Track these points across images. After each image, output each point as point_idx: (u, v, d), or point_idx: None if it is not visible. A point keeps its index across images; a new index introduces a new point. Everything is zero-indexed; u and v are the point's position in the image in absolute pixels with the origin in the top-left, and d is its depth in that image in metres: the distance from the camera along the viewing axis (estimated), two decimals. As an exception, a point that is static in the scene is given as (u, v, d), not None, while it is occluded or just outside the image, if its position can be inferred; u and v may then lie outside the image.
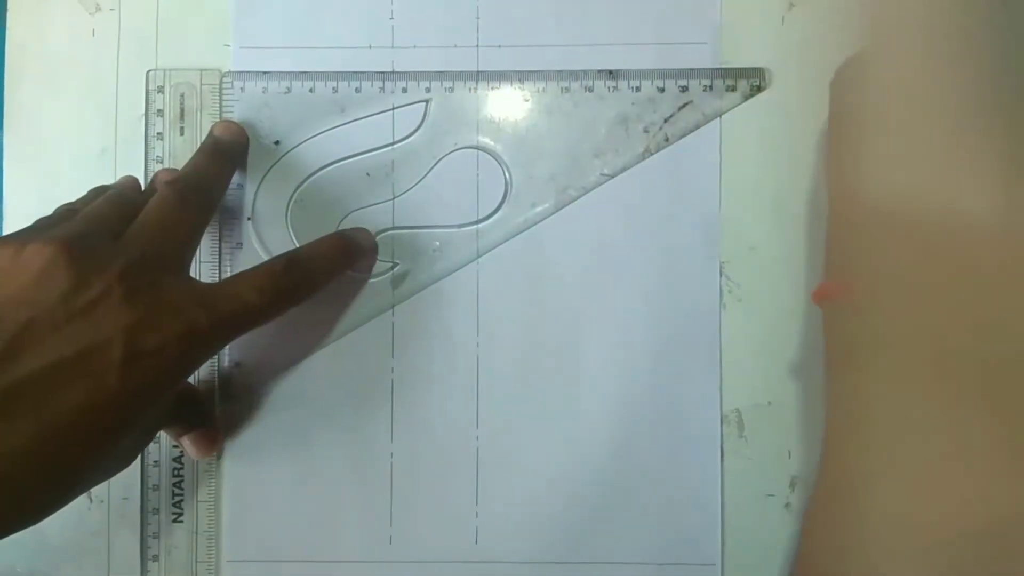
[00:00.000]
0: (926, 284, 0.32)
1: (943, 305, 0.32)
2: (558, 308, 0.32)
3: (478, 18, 0.32)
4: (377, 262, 0.32)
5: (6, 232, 0.33)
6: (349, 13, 0.33)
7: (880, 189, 0.32)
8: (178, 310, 0.25)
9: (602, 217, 0.32)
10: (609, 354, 0.32)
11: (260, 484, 0.32)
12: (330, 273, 0.30)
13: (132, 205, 0.28)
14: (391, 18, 0.33)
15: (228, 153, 0.31)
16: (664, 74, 0.32)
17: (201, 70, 0.32)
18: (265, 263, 0.28)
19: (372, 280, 0.32)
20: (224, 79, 0.32)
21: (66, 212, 0.28)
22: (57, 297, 0.23)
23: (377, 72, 0.32)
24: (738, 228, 0.32)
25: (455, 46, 0.32)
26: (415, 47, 0.32)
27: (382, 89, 0.32)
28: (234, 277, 0.27)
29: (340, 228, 0.32)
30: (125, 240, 0.26)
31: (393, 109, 0.32)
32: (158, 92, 0.32)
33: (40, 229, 0.26)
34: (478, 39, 0.32)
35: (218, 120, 0.32)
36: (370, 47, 0.32)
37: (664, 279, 0.32)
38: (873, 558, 0.31)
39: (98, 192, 0.30)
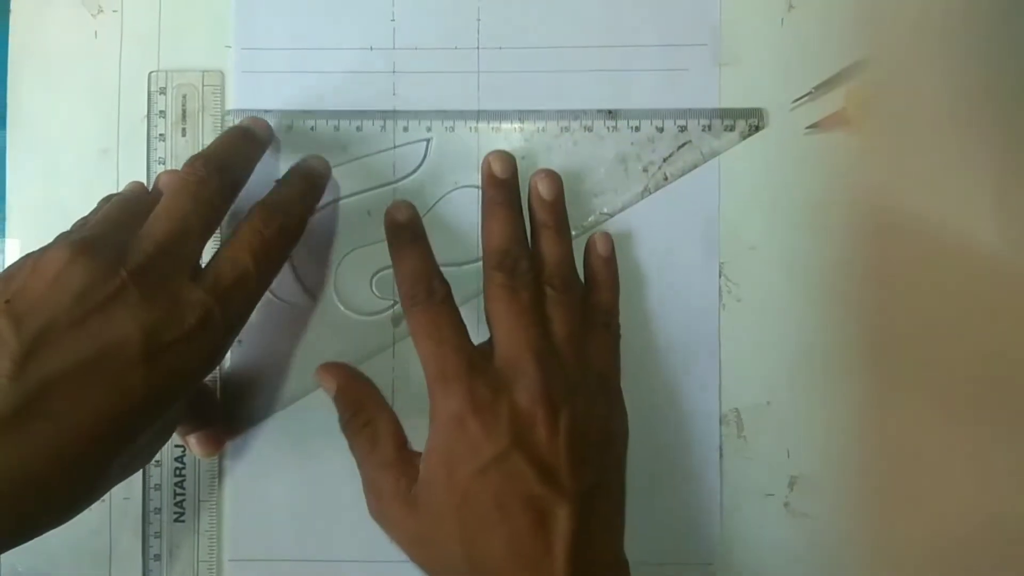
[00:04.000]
0: (927, 291, 0.32)
1: (944, 315, 0.32)
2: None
3: (479, 20, 0.32)
4: (377, 299, 0.32)
5: (9, 233, 0.33)
6: (350, 14, 0.33)
7: (879, 195, 0.32)
8: (190, 302, 0.25)
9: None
10: (609, 354, 0.32)
11: (262, 483, 0.32)
12: (307, 208, 0.30)
13: (144, 205, 0.28)
14: (392, 20, 0.33)
15: (256, 140, 0.30)
16: (663, 114, 0.32)
17: (203, 71, 0.33)
18: (241, 224, 0.27)
19: (372, 318, 0.32)
20: (226, 117, 0.32)
21: (82, 224, 0.28)
22: (72, 297, 0.24)
23: (379, 111, 0.32)
24: (737, 228, 0.32)
25: (456, 48, 0.32)
26: (416, 49, 0.33)
27: (383, 128, 0.32)
28: (220, 250, 0.27)
29: (340, 267, 0.32)
30: (139, 237, 0.25)
31: (394, 148, 0.32)
32: (160, 93, 0.33)
33: (57, 239, 0.27)
34: (479, 41, 0.32)
35: (219, 121, 0.32)
36: (371, 48, 0.33)
37: (663, 279, 0.32)
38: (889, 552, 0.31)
39: (107, 201, 0.30)
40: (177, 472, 0.32)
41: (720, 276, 0.32)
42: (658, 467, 0.32)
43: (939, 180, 0.32)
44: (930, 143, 0.32)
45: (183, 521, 0.32)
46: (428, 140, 0.32)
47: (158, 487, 0.32)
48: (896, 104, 0.32)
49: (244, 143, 0.30)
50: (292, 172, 0.31)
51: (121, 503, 0.32)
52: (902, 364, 0.32)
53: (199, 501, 0.32)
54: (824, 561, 0.32)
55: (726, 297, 0.32)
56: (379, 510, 0.28)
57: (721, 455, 0.32)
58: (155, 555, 0.32)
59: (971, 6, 0.32)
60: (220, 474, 0.32)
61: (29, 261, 0.25)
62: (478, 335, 0.29)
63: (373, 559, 0.32)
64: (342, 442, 0.32)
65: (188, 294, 0.25)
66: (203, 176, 0.27)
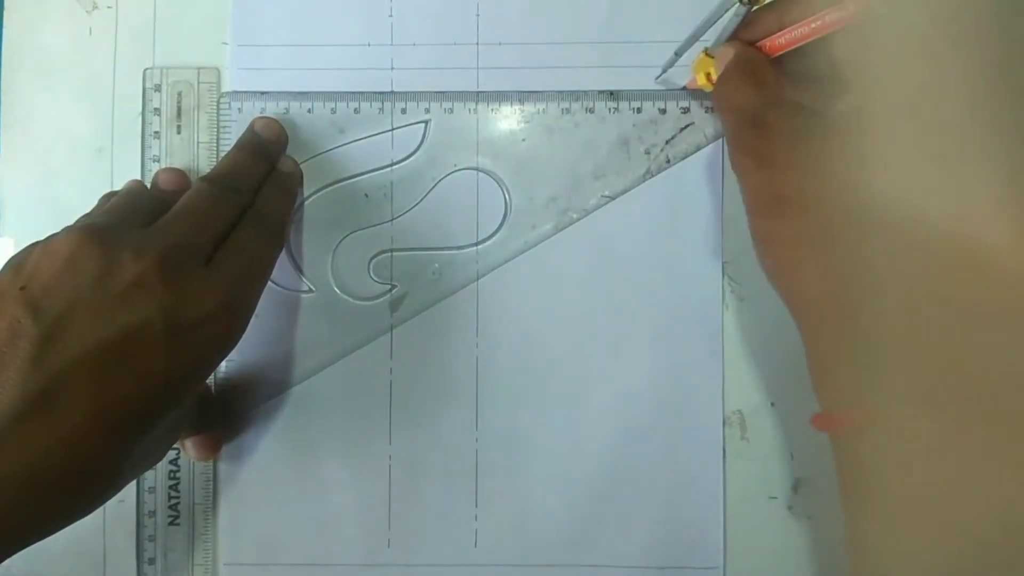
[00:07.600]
0: (930, 291, 0.32)
1: (947, 313, 0.32)
2: (559, 308, 0.32)
3: (478, 15, 0.32)
4: (375, 284, 0.32)
5: (3, 232, 0.33)
6: (348, 11, 0.32)
7: (883, 198, 0.32)
8: (208, 289, 0.25)
9: (604, 217, 0.32)
10: (610, 354, 0.32)
11: (257, 486, 0.32)
12: (292, 206, 0.31)
13: (150, 199, 0.28)
14: (390, 15, 0.32)
15: (266, 152, 0.31)
16: (665, 95, 0.32)
17: (199, 68, 0.32)
18: (240, 230, 0.28)
19: (370, 303, 0.32)
20: (222, 100, 0.32)
21: (86, 218, 0.28)
22: (91, 281, 0.24)
23: (376, 92, 0.32)
24: (740, 227, 0.32)
25: (454, 43, 0.32)
26: (414, 45, 0.32)
27: (381, 110, 0.32)
28: (227, 246, 0.27)
29: (338, 251, 0.32)
30: (159, 228, 0.26)
31: (392, 130, 0.32)
32: (155, 90, 0.32)
33: (63, 229, 0.27)
34: (478, 36, 0.32)
35: (214, 118, 0.32)
36: (369, 45, 0.32)
37: (666, 279, 0.32)
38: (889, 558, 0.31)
39: (109, 197, 0.30)
40: (171, 475, 0.32)
41: (723, 276, 0.32)
42: (660, 469, 0.32)
43: (945, 176, 0.32)
44: (935, 139, 0.32)
45: (178, 524, 0.32)
46: (426, 122, 0.32)
47: (152, 490, 0.32)
48: (898, 105, 0.32)
49: (255, 160, 0.30)
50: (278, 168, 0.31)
51: (115, 506, 0.32)
52: (909, 378, 0.32)
53: (194, 504, 0.32)
54: (827, 564, 0.32)
55: (729, 297, 0.32)
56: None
57: (724, 457, 0.32)
58: (149, 559, 0.32)
59: (976, 6, 0.32)
60: (215, 477, 0.32)
61: (37, 248, 0.25)
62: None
63: (370, 563, 0.32)
64: (339, 445, 0.32)
65: (205, 281, 0.25)
66: (217, 195, 0.27)
